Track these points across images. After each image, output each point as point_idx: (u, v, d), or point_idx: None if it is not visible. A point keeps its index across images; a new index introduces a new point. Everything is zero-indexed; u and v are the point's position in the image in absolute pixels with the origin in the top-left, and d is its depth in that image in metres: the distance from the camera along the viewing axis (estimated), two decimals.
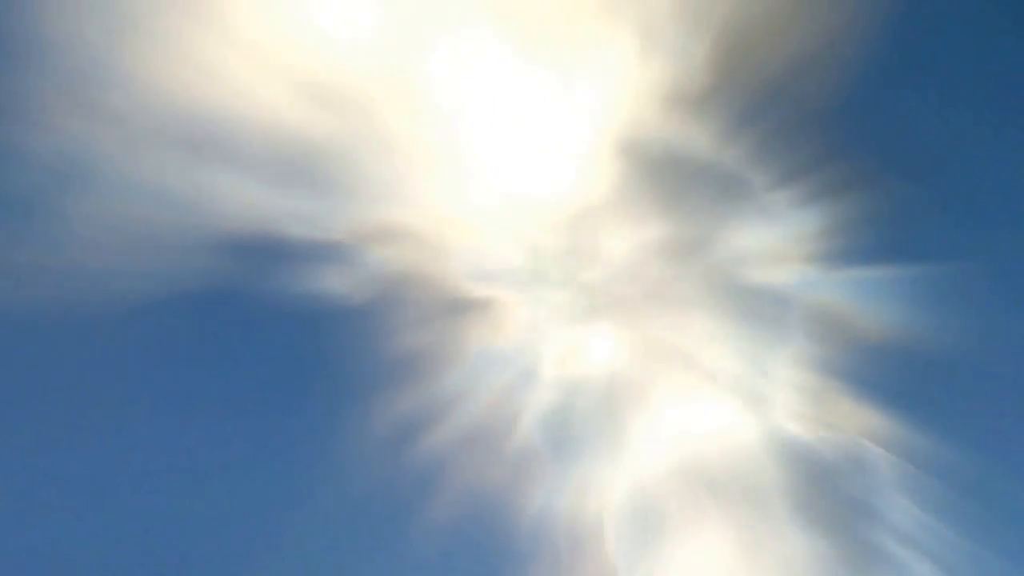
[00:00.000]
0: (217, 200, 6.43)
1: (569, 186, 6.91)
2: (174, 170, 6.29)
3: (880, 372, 7.13)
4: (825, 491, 7.20)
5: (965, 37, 6.96)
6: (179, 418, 6.41)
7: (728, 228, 7.08)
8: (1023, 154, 7.01)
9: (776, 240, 7.10)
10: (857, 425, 7.22)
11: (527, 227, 6.97)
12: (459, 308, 6.93)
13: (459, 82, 6.66)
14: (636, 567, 6.96)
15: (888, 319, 7.13)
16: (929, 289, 7.06)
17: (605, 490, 7.06)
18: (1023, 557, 6.98)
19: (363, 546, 6.62)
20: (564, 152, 6.85)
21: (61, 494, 6.06)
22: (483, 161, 6.84)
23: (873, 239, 7.02)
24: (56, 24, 5.90)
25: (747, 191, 7.01)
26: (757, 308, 7.17)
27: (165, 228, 6.32)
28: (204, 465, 6.45)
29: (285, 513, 6.56)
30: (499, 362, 7.01)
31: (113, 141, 6.10)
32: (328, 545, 6.59)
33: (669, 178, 6.96)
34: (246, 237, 6.49)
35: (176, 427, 6.40)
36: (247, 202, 6.48)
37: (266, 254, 6.53)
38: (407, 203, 6.79)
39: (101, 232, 6.13)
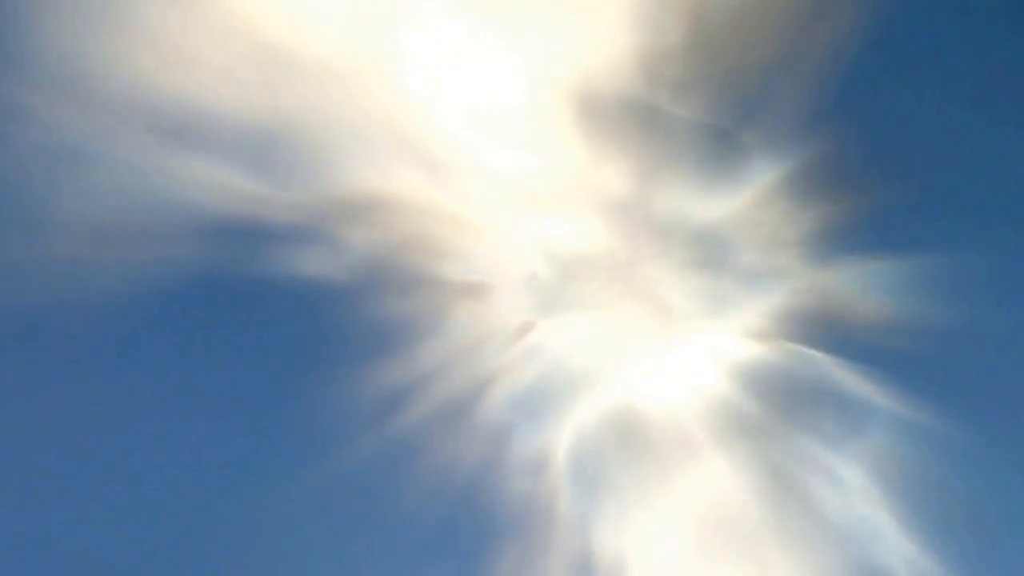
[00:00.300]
0: (195, 185, 6.43)
1: (543, 164, 6.82)
2: (151, 157, 6.29)
3: (868, 362, 7.05)
4: (804, 469, 7.18)
5: (963, 28, 6.70)
6: (162, 405, 6.53)
7: (712, 212, 6.94)
8: (1018, 146, 6.80)
9: (764, 228, 6.97)
10: (844, 413, 7.16)
11: (505, 205, 6.91)
12: (435, 288, 6.93)
13: (434, 61, 6.55)
14: (611, 537, 7.05)
15: (877, 311, 7.00)
16: (919, 282, 6.93)
17: (579, 462, 7.13)
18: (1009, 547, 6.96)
19: (350, 522, 6.75)
20: (538, 130, 6.74)
21: (52, 485, 6.22)
22: (460, 138, 6.76)
23: (863, 231, 6.88)
24: (23, 11, 5.86)
25: (734, 176, 6.85)
26: (742, 295, 7.07)
27: (143, 216, 6.36)
28: (189, 447, 6.58)
29: (271, 494, 6.70)
30: (477, 340, 7.01)
31: (82, 127, 6.10)
32: (315, 520, 6.73)
33: (651, 159, 6.82)
34: (223, 221, 6.51)
35: (159, 413, 6.52)
36: (222, 186, 6.48)
37: (242, 237, 6.55)
38: (384, 183, 6.75)
39: (76, 223, 6.18)
